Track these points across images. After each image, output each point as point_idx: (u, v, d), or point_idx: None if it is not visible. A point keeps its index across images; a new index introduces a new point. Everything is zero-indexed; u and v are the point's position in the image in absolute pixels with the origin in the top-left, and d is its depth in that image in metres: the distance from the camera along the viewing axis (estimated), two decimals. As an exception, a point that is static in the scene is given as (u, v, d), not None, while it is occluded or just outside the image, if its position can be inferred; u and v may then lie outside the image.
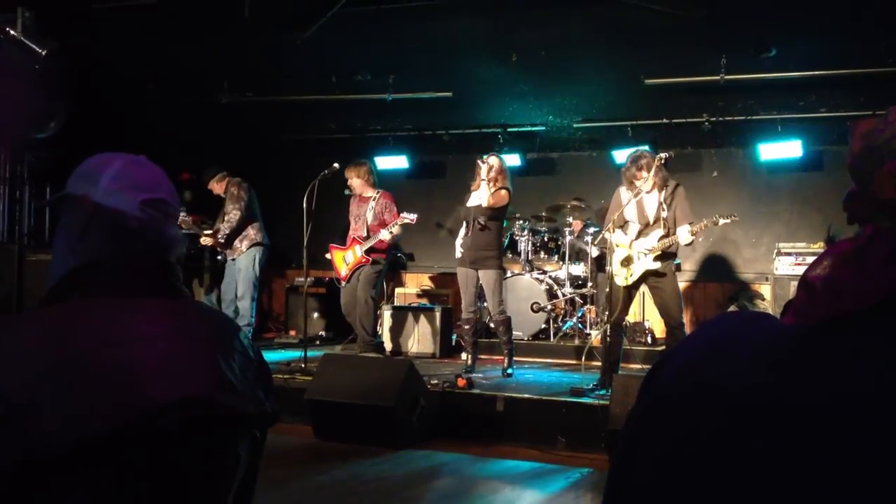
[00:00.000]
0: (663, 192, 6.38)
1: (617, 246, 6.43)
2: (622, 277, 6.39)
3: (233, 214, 8.41)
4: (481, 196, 7.02)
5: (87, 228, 1.43)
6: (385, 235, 7.72)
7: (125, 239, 1.42)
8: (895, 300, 0.77)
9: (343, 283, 8.07)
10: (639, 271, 6.35)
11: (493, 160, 7.07)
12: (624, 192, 6.44)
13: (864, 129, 0.87)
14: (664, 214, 6.36)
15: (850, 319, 0.80)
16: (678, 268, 6.95)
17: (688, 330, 6.74)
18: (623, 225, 6.47)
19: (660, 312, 6.52)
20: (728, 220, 6.43)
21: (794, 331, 0.83)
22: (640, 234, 6.40)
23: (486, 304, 8.46)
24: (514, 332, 7.52)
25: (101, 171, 1.45)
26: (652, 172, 6.27)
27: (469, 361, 7.28)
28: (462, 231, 7.39)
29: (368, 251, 7.85)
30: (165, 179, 1.50)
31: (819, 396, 0.77)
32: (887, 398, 0.73)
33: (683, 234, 6.21)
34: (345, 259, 8.00)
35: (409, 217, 7.65)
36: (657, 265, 6.31)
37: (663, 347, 8.41)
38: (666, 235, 6.30)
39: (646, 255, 6.31)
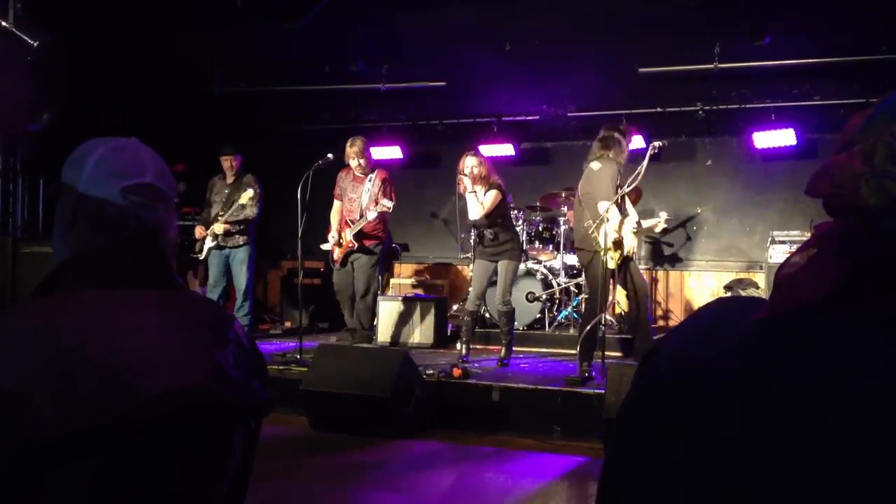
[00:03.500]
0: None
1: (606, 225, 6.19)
2: (613, 260, 6.30)
3: (251, 211, 8.30)
4: (475, 208, 7.01)
5: (75, 219, 1.42)
6: (371, 216, 7.61)
7: (108, 228, 1.41)
8: (844, 291, 0.80)
9: (337, 266, 7.97)
10: (626, 250, 6.35)
11: (470, 164, 7.02)
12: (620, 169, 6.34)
13: (851, 122, 0.88)
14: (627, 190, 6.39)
15: (804, 311, 0.82)
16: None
17: (679, 319, 6.76)
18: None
19: (639, 296, 6.44)
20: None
21: (759, 323, 0.86)
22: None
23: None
24: (508, 322, 7.50)
25: (85, 158, 1.44)
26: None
27: (464, 351, 7.29)
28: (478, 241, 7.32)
29: (358, 236, 7.73)
30: (154, 162, 1.46)
31: (774, 384, 0.79)
32: (829, 386, 0.75)
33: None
34: (339, 242, 7.90)
35: (387, 205, 7.58)
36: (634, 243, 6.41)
37: (657, 336, 8.44)
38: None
39: (635, 231, 6.39)
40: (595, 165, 6.32)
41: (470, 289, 7.46)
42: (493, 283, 7.49)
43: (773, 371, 0.80)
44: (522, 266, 8.76)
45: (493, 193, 7.05)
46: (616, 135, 6.41)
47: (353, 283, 7.89)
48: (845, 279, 0.80)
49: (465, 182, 6.99)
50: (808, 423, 0.75)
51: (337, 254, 7.91)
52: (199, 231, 8.55)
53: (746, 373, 0.82)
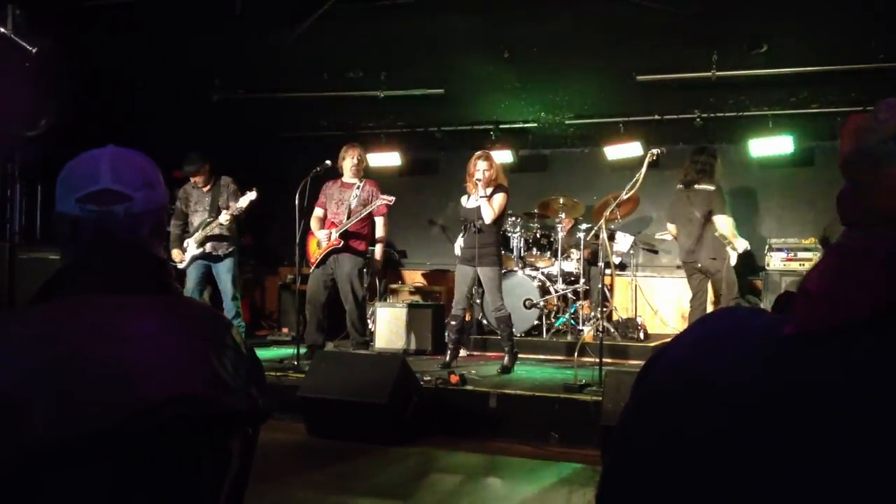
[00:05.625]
0: None
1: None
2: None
3: (232, 209, 7.94)
4: (486, 212, 6.97)
5: (54, 233, 1.47)
6: (376, 205, 7.50)
7: (70, 240, 1.44)
8: (892, 308, 0.78)
9: (312, 268, 7.77)
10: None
11: (481, 168, 7.02)
12: None
13: (854, 126, 0.87)
14: None
15: (849, 328, 0.80)
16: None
17: (680, 327, 6.82)
18: None
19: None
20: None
21: (792, 337, 0.83)
22: None
23: (478, 301, 8.48)
24: (506, 329, 7.45)
25: (59, 177, 1.48)
26: None
27: (447, 358, 7.27)
28: (462, 234, 7.34)
29: (344, 236, 7.59)
30: (110, 167, 1.46)
31: (815, 399, 0.78)
32: (877, 403, 0.74)
33: None
34: (318, 244, 7.74)
35: (388, 199, 7.54)
36: None
37: (656, 343, 8.44)
38: None
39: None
40: (710, 186, 7.42)
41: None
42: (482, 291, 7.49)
43: (821, 390, 0.78)
44: (520, 273, 8.77)
45: (502, 196, 7.05)
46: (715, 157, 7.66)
47: (339, 293, 7.69)
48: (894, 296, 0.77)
49: (479, 188, 6.99)
50: (861, 444, 0.73)
51: (316, 254, 7.73)
52: (177, 255, 8.10)
53: (783, 388, 0.80)
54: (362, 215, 7.56)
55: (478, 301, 8.48)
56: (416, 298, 9.87)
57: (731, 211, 7.59)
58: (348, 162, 7.72)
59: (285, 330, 10.08)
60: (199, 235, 8.08)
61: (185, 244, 8.16)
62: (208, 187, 8.21)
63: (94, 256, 1.43)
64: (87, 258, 1.43)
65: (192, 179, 8.22)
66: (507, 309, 7.19)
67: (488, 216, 6.95)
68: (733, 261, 7.40)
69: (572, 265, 9.07)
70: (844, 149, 0.88)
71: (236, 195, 8.10)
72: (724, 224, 7.35)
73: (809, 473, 0.74)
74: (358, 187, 7.73)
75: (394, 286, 10.38)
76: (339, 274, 7.64)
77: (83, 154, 1.49)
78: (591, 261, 8.96)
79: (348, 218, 7.60)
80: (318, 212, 7.84)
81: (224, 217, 7.96)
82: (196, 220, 8.18)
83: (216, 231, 8.04)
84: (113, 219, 1.43)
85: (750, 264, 9.55)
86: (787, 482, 0.75)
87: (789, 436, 0.77)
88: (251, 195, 7.93)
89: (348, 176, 7.79)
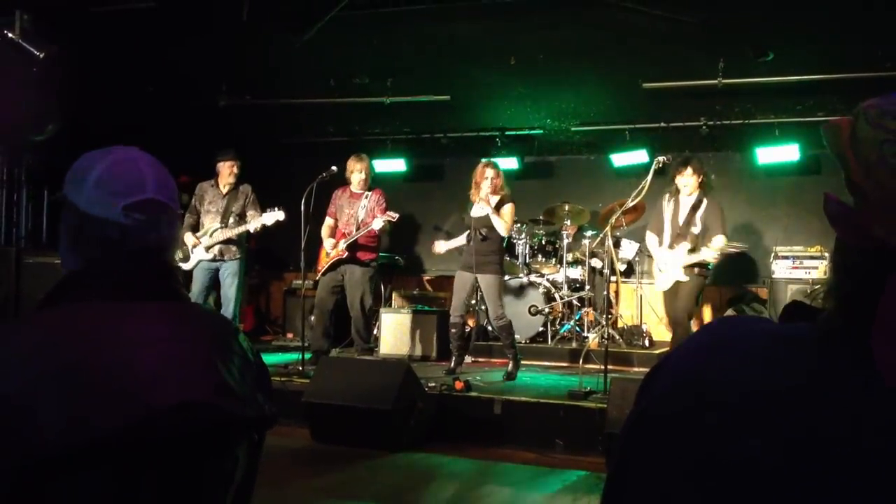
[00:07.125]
0: (701, 203, 6.86)
1: (650, 255, 7.14)
2: (659, 283, 7.00)
3: (255, 223, 7.79)
4: (499, 225, 7.00)
5: (78, 235, 1.44)
6: (377, 225, 7.56)
7: (111, 246, 1.41)
8: None
9: (319, 275, 7.87)
10: (671, 280, 6.86)
11: (489, 176, 7.02)
12: (666, 200, 7.00)
13: (847, 131, 0.86)
14: (694, 229, 6.80)
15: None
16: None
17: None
18: (660, 230, 7.02)
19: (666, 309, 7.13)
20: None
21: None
22: (671, 244, 6.88)
23: (483, 308, 8.47)
24: (511, 336, 7.45)
25: (85, 176, 1.44)
26: (692, 173, 6.80)
27: (452, 364, 7.28)
28: (462, 238, 7.38)
29: (352, 247, 7.66)
30: (153, 173, 1.46)
31: (825, 405, 0.77)
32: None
33: (713, 247, 6.62)
34: (328, 253, 7.83)
35: (392, 216, 7.60)
36: (686, 278, 6.79)
37: (661, 350, 8.42)
38: (693, 250, 6.71)
39: (675, 267, 6.81)
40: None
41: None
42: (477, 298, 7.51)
43: (842, 409, 0.77)
44: (525, 280, 8.76)
45: (510, 207, 7.09)
46: None
47: (347, 299, 7.78)
48: None
49: (491, 199, 6.97)
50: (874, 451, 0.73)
51: (324, 261, 7.82)
52: (189, 238, 7.85)
53: (790, 394, 0.80)
54: (370, 229, 7.65)
55: (482, 307, 8.47)
56: (421, 304, 9.86)
57: (653, 228, 7.22)
58: (356, 176, 7.79)
59: (290, 335, 10.09)
60: (207, 241, 7.88)
61: (193, 245, 7.93)
62: (227, 190, 8.02)
63: (111, 260, 1.42)
64: (102, 260, 1.42)
65: (222, 171, 8.03)
66: (507, 317, 7.20)
67: (502, 229, 6.98)
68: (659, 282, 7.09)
69: (577, 272, 9.06)
70: (849, 159, 0.86)
71: (255, 205, 7.97)
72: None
73: (815, 479, 0.74)
74: (366, 197, 7.84)
75: (398, 292, 10.38)
76: (349, 282, 7.74)
77: (115, 154, 1.47)
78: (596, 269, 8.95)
79: (357, 230, 7.69)
80: (328, 221, 7.94)
81: (237, 230, 7.81)
82: (207, 221, 7.97)
83: (225, 236, 7.90)
84: (156, 230, 1.44)
85: (755, 272, 9.55)
86: (794, 489, 0.75)
87: (797, 441, 0.76)
88: (279, 215, 7.69)
89: (356, 187, 7.85)
